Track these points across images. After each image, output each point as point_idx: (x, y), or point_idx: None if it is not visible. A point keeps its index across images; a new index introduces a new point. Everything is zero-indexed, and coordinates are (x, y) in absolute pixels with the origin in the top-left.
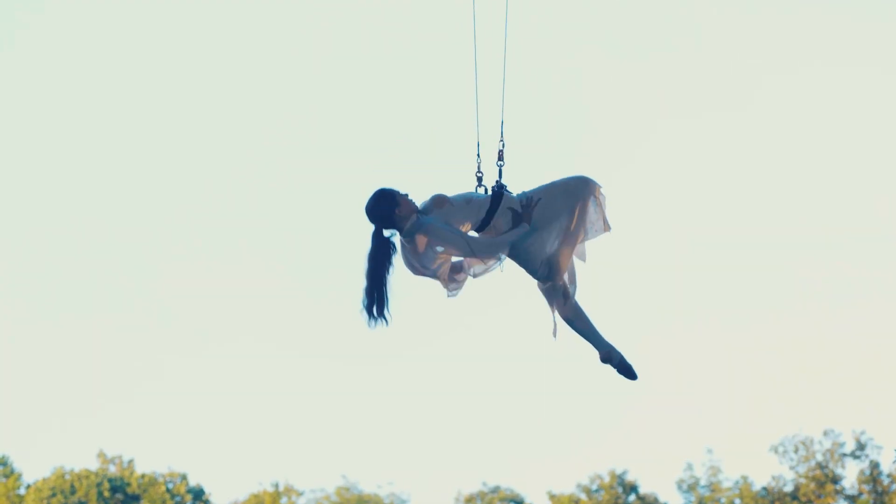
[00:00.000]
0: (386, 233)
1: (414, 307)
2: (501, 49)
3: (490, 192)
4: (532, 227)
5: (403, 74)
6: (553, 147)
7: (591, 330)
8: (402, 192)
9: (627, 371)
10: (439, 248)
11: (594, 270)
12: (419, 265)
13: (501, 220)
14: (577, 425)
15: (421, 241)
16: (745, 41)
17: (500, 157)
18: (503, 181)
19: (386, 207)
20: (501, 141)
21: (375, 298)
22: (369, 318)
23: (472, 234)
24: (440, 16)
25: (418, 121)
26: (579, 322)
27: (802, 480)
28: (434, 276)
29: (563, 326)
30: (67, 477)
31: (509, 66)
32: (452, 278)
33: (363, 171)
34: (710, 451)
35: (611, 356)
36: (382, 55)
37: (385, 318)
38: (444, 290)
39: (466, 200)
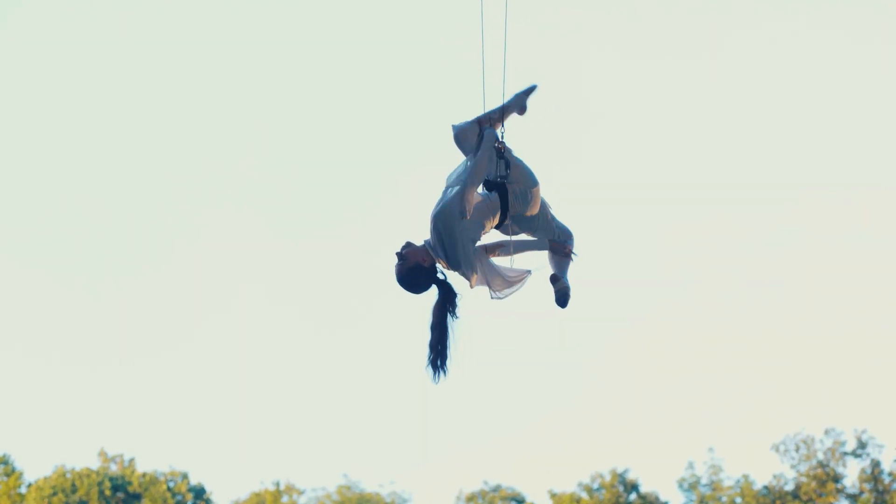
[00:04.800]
0: (440, 276)
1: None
2: (500, 42)
3: (493, 187)
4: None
5: (402, 68)
6: (551, 135)
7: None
8: (401, 250)
9: (563, 298)
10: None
11: (594, 269)
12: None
13: (517, 204)
14: (579, 424)
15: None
16: None
17: (501, 151)
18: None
19: (416, 276)
20: (502, 130)
21: (440, 351)
22: (435, 372)
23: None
24: (440, 11)
25: (420, 117)
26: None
27: (804, 479)
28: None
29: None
30: (68, 475)
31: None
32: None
33: (366, 166)
34: (711, 449)
35: (558, 279)
36: (382, 50)
37: (446, 371)
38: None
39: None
